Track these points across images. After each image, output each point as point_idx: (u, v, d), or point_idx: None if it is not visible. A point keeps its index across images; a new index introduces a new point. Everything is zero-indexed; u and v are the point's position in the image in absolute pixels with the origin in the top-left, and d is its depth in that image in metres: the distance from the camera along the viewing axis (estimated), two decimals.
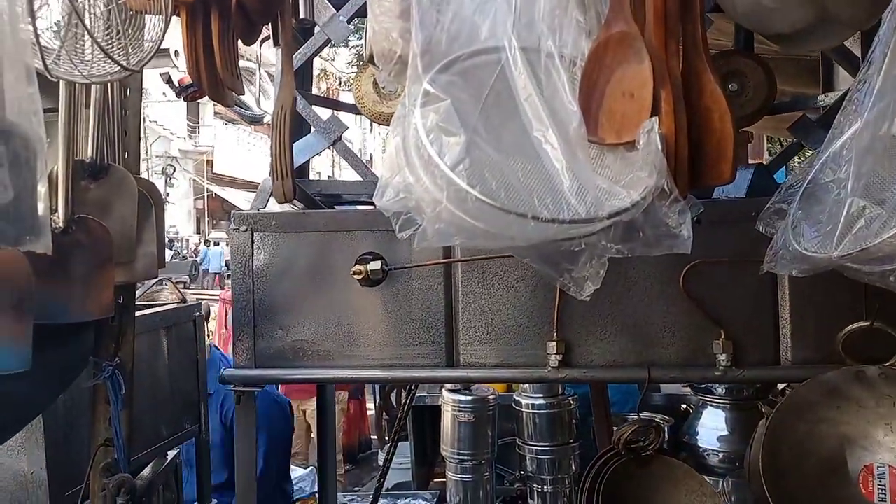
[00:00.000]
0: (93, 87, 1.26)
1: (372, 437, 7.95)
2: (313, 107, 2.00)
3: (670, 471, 1.69)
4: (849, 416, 1.54)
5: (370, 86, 1.99)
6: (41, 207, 1.01)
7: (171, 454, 2.18)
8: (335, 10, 1.61)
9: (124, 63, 1.16)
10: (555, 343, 1.65)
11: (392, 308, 1.74)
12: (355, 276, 1.67)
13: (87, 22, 1.10)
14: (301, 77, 2.02)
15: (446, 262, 1.72)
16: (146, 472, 1.94)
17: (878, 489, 1.47)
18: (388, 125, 2.06)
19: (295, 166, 1.87)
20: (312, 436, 6.96)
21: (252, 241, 1.76)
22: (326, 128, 1.90)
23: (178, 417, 2.20)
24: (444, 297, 1.74)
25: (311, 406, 6.48)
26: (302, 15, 1.33)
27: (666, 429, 3.37)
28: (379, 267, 1.68)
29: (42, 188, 1.01)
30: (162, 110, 23.26)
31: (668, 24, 1.24)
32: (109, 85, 1.28)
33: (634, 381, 1.67)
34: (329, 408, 2.45)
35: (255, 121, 3.15)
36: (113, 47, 1.15)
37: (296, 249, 1.76)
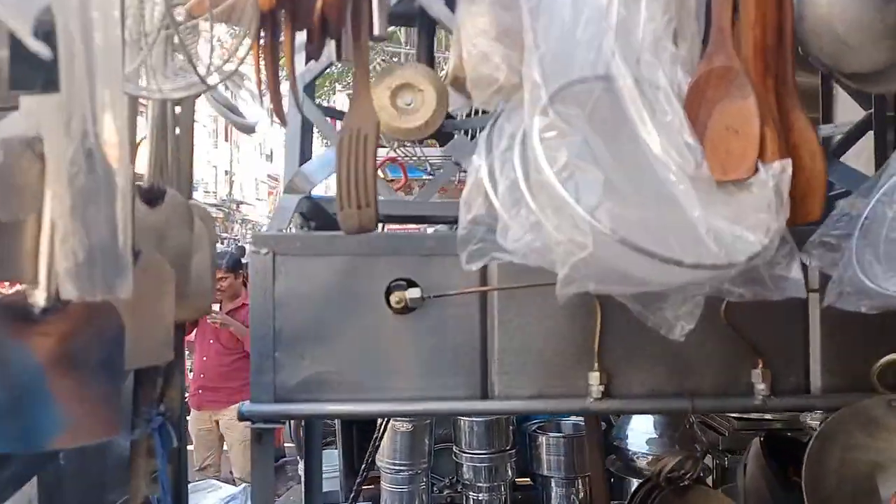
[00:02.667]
0: (150, 103, 1.10)
1: (285, 444, 7.70)
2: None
3: (707, 499, 1.69)
4: (881, 442, 1.60)
5: (386, 99, 1.88)
6: (125, 245, 0.87)
7: None
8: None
9: (203, 76, 1.02)
10: (597, 373, 1.61)
11: (424, 337, 1.65)
12: (395, 305, 1.57)
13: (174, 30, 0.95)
14: (310, 88, 1.89)
15: (485, 289, 1.64)
16: None
17: None
18: (403, 139, 1.97)
19: (314, 185, 1.75)
20: (224, 447, 6.64)
21: (274, 265, 1.61)
22: None
23: None
24: (480, 325, 1.66)
25: (227, 416, 6.16)
26: (376, 32, 1.22)
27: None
28: (419, 295, 1.58)
29: (128, 224, 0.87)
30: None
31: (767, 59, 1.22)
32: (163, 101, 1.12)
33: (676, 412, 1.66)
34: (318, 424, 2.32)
35: (248, 129, 2.88)
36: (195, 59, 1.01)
37: (321, 274, 1.63)
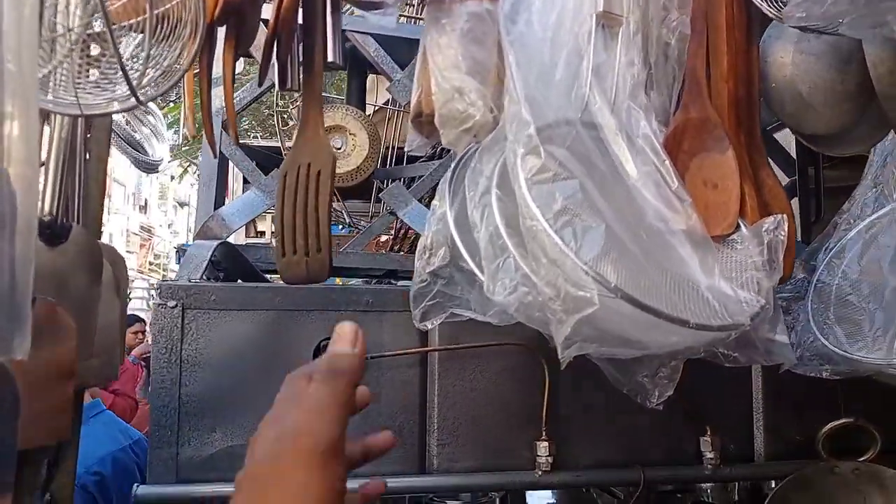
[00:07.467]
0: (58, 121, 0.89)
1: None
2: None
3: None
4: None
5: None
6: (24, 293, 0.66)
7: None
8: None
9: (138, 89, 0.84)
10: (546, 443, 1.48)
11: None
12: None
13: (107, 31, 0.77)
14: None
15: (427, 350, 1.49)
16: None
17: None
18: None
19: (232, 230, 1.56)
20: None
21: (183, 321, 1.39)
22: (268, 185, 1.60)
23: None
24: (419, 389, 1.50)
25: None
26: (330, 58, 1.08)
27: None
28: None
29: (29, 267, 0.67)
30: None
31: (739, 113, 1.18)
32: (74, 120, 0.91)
33: (628, 484, 1.56)
34: None
35: (151, 168, 2.55)
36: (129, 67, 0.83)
37: (239, 331, 1.43)
